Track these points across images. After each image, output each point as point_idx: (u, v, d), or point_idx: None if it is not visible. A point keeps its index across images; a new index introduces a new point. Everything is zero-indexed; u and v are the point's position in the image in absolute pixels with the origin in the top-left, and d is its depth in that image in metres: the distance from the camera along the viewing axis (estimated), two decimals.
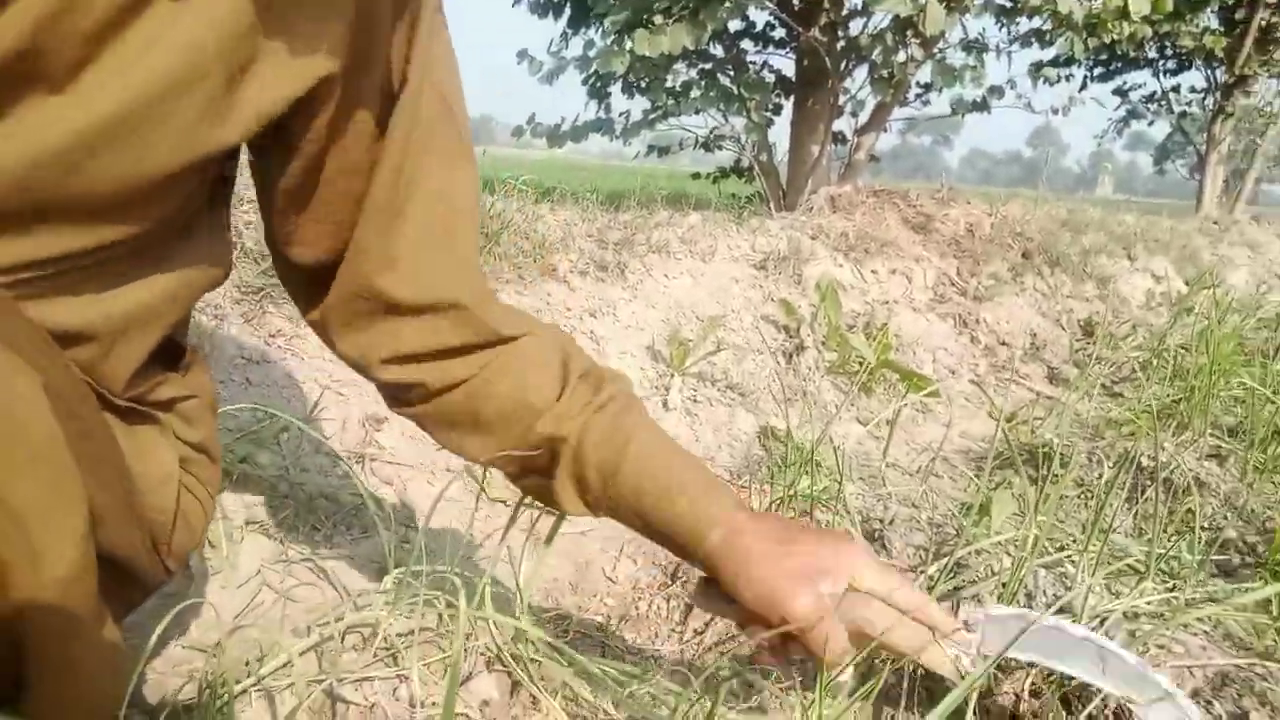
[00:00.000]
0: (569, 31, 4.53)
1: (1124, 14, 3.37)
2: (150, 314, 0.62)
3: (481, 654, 0.78)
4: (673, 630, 1.12)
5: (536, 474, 0.73)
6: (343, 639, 0.75)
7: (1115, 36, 3.77)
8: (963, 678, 0.67)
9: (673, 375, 1.84)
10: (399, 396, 0.74)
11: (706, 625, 1.12)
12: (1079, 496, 1.53)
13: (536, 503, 1.30)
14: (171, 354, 0.71)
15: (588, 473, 0.70)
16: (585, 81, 4.19)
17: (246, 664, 0.77)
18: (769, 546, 0.67)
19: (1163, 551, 1.03)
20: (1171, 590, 0.98)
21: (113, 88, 0.51)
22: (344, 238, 0.67)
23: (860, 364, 2.10)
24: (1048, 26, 4.15)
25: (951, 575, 1.02)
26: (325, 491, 1.30)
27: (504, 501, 1.42)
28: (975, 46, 4.08)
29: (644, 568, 1.28)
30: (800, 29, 3.85)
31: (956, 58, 4.04)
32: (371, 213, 0.66)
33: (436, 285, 0.69)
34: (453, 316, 0.70)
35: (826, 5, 3.87)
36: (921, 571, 1.05)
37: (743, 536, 0.67)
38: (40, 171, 0.50)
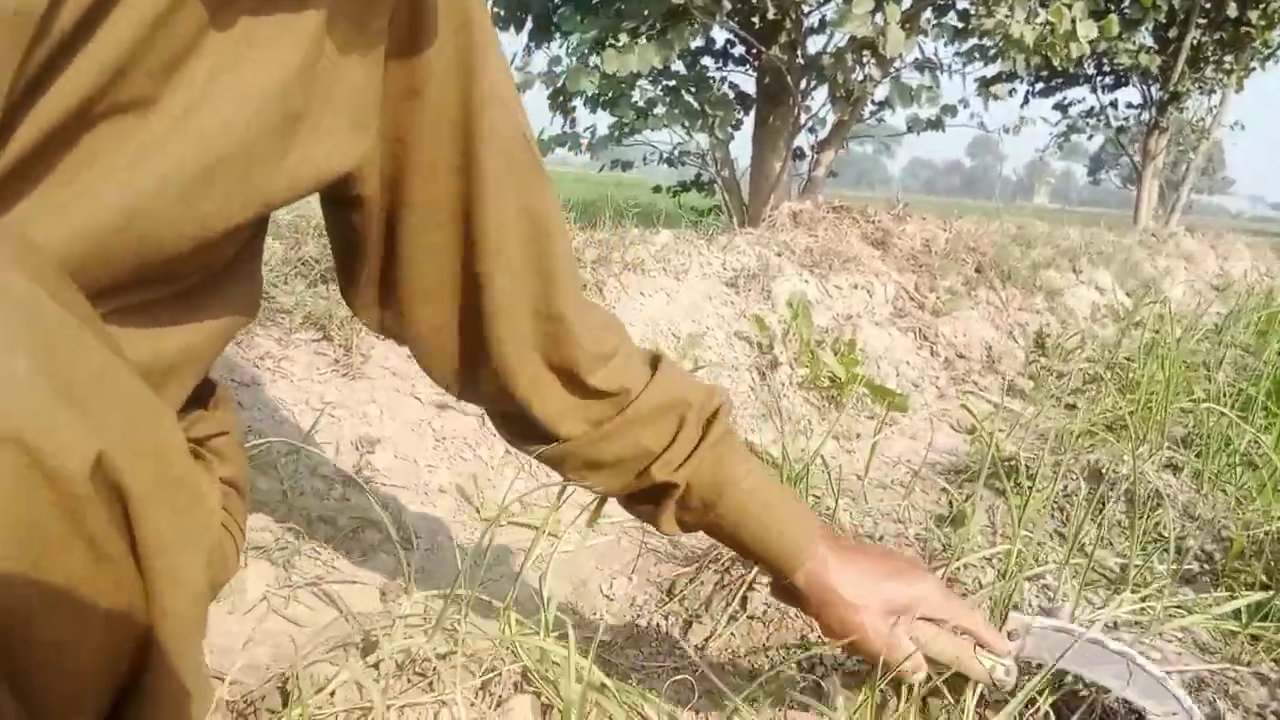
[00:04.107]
0: (532, 46, 4.56)
1: (1073, 37, 3.52)
2: (196, 354, 0.63)
3: (511, 678, 0.81)
4: (674, 647, 1.16)
5: (645, 503, 0.82)
6: (378, 666, 0.78)
7: (1061, 57, 3.92)
8: (995, 685, 0.77)
9: None
10: (511, 431, 0.81)
11: (707, 641, 1.16)
12: (1043, 507, 1.61)
13: (529, 523, 1.33)
14: (202, 390, 0.73)
15: (691, 503, 0.79)
16: (551, 97, 4.22)
17: (282, 688, 0.80)
18: (849, 583, 0.77)
19: (1139, 564, 1.10)
20: (1145, 600, 1.05)
21: (186, 136, 0.51)
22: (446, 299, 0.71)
23: (831, 379, 2.17)
24: (993, 44, 4.29)
25: None
26: (324, 515, 1.31)
27: (499, 522, 1.45)
28: (929, 66, 4.20)
29: (640, 585, 1.32)
30: (761, 47, 3.93)
31: (911, 77, 4.16)
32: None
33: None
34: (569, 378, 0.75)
35: (787, 25, 3.95)
36: None
37: (826, 576, 0.77)
38: (133, 222, 0.50)
